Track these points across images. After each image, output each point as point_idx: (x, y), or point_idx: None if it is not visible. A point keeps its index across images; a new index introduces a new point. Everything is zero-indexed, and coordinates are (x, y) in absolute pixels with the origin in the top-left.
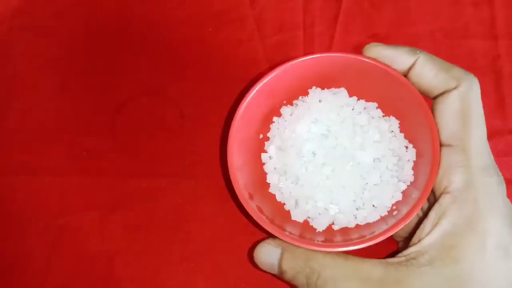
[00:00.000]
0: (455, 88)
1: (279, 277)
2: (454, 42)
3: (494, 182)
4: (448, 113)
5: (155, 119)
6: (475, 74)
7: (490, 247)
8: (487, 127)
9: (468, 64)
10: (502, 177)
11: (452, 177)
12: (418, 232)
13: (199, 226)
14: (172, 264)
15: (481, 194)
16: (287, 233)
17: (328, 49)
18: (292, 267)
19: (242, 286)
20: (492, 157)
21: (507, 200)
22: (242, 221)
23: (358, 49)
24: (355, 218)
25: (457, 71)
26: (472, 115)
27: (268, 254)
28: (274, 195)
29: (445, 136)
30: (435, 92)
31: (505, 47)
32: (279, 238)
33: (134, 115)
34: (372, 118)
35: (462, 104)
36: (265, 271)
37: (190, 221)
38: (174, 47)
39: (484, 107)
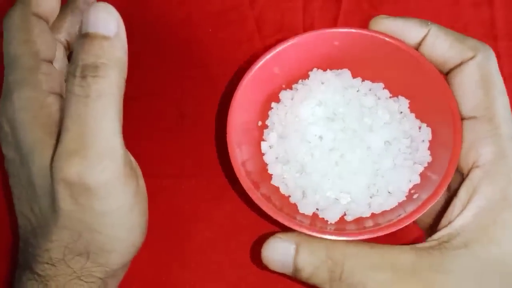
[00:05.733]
0: (472, 58)
1: (292, 276)
2: None
3: None
4: (468, 84)
5: (155, 119)
6: None
7: None
8: None
9: None
10: None
11: (481, 149)
12: (448, 213)
13: (199, 226)
14: (172, 264)
15: None
16: (298, 221)
17: None
18: (311, 262)
19: (242, 286)
20: None
21: None
22: (243, 221)
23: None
24: (370, 206)
25: (472, 41)
26: (494, 83)
27: (279, 251)
28: (278, 188)
29: (467, 108)
30: (451, 64)
31: (505, 48)
32: (291, 231)
33: (134, 115)
34: (379, 99)
35: (482, 73)
36: (274, 272)
37: (190, 221)
38: (174, 48)
39: None
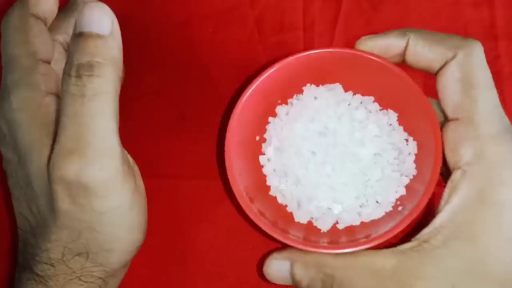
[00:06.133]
0: (453, 58)
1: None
2: None
3: (508, 149)
4: (449, 85)
5: (155, 120)
6: None
7: (508, 221)
8: None
9: None
10: None
11: (461, 151)
12: (436, 212)
13: (199, 226)
14: (172, 264)
15: (492, 165)
16: (291, 236)
17: None
18: (305, 276)
19: (242, 286)
20: (506, 121)
21: None
22: (242, 221)
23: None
24: (360, 215)
25: (453, 40)
26: (475, 81)
27: (278, 269)
28: (276, 198)
29: (450, 110)
30: (436, 67)
31: (505, 48)
32: (285, 249)
33: (134, 116)
34: (370, 112)
35: (462, 72)
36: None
37: (190, 221)
38: (174, 48)
39: None
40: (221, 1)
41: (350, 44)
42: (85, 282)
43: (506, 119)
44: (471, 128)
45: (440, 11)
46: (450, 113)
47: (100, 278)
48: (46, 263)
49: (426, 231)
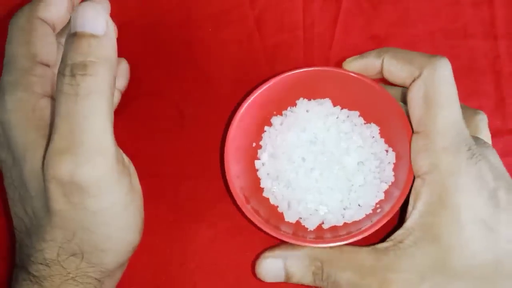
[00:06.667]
0: (419, 76)
1: (285, 282)
2: (454, 42)
3: (461, 159)
4: (414, 101)
5: (155, 120)
6: (475, 74)
7: (467, 222)
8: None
9: (468, 64)
10: (481, 149)
11: (419, 162)
12: (406, 215)
13: (199, 226)
14: (172, 264)
15: (447, 173)
16: (282, 232)
17: (328, 49)
18: (298, 270)
19: (242, 286)
20: (465, 133)
21: (488, 172)
22: (242, 221)
23: (357, 50)
24: (343, 217)
25: (420, 59)
26: (435, 98)
27: (271, 266)
28: (268, 199)
29: (414, 124)
30: (408, 83)
31: (505, 47)
32: (276, 247)
33: (134, 116)
34: (355, 125)
35: (425, 89)
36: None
37: (190, 221)
38: (174, 48)
39: (484, 107)
40: (221, 1)
41: (350, 44)
42: (80, 282)
43: (465, 131)
44: (428, 141)
45: (440, 11)
46: (414, 127)
47: (95, 278)
48: (41, 264)
49: (399, 233)
